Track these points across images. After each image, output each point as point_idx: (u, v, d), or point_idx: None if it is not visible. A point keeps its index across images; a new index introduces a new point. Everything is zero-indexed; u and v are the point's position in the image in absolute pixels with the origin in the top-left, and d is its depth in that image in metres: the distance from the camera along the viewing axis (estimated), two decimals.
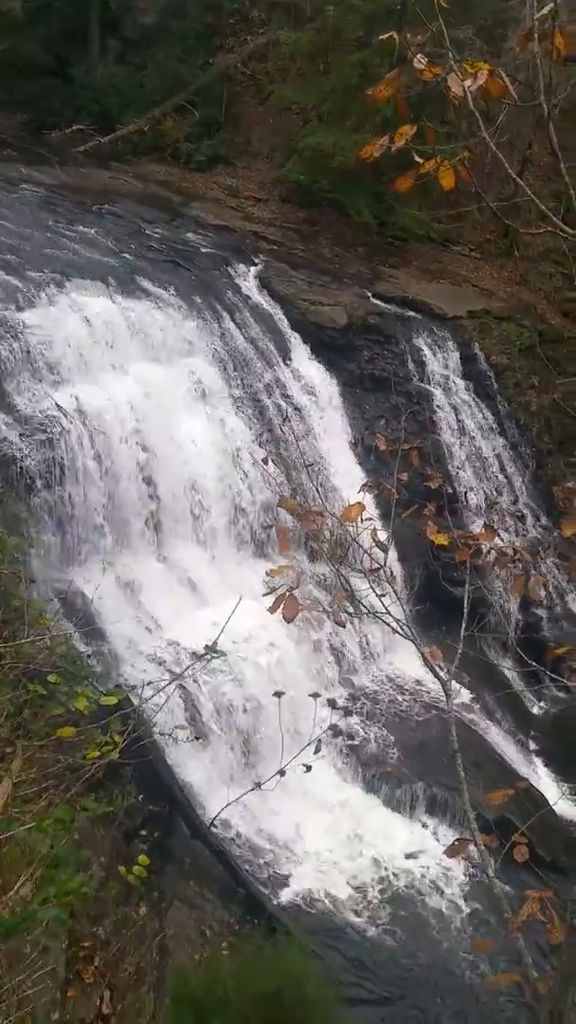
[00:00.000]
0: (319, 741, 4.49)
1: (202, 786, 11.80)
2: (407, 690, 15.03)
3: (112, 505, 13.03)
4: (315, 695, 4.91)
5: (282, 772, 4.55)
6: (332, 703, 5.08)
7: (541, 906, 4.84)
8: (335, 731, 4.75)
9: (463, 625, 6.00)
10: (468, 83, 4.46)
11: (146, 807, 10.42)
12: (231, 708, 12.36)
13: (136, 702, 4.37)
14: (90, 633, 11.68)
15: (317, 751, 4.43)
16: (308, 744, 4.37)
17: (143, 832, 10.48)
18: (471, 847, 5.40)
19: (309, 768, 4.65)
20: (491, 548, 6.42)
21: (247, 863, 11.50)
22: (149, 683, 4.40)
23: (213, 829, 11.43)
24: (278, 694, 5.01)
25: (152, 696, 4.12)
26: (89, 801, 3.90)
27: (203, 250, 18.20)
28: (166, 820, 10.91)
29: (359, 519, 5.85)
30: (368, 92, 4.92)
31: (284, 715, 4.50)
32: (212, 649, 3.99)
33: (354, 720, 14.02)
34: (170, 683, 4.08)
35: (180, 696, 11.68)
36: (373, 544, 6.14)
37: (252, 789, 5.15)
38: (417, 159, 4.65)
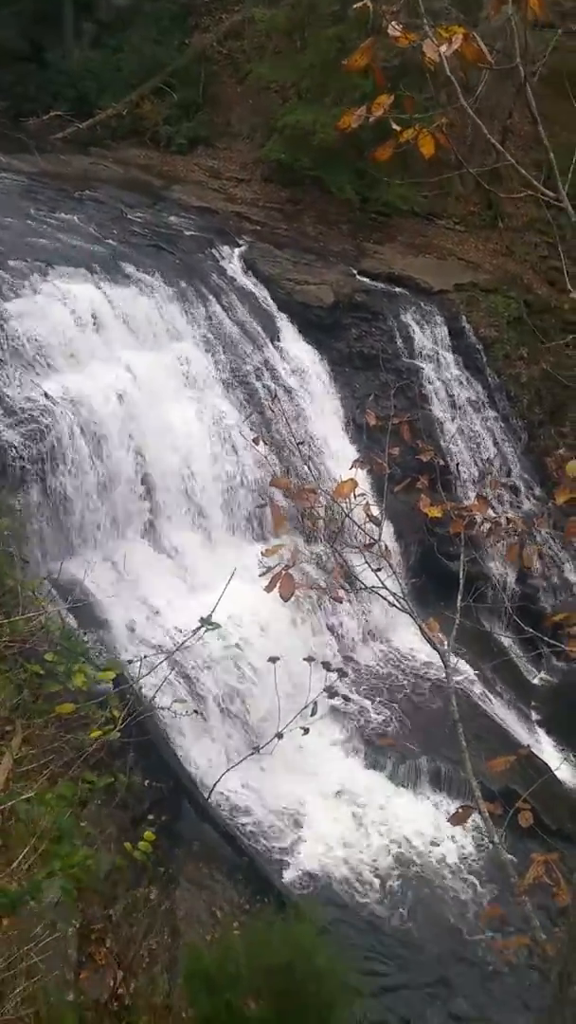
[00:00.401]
0: (315, 704, 4.51)
1: (207, 769, 11.86)
2: (408, 667, 15.11)
3: (105, 493, 13.01)
4: (309, 659, 4.92)
5: (280, 735, 4.59)
6: (327, 665, 5.09)
7: (547, 869, 4.89)
8: (331, 693, 4.76)
9: (459, 596, 6.02)
10: (443, 48, 4.41)
11: (152, 792, 10.46)
12: (233, 692, 12.41)
13: (133, 678, 4.38)
14: (90, 622, 11.69)
15: (314, 713, 4.47)
16: (305, 707, 4.40)
17: (150, 816, 10.52)
18: (475, 814, 5.45)
19: (306, 731, 4.68)
20: (484, 519, 6.44)
21: (255, 843, 11.58)
22: (144, 657, 4.40)
23: (220, 811, 11.51)
24: (272, 659, 5.02)
25: (150, 671, 4.14)
26: (91, 774, 3.92)
27: (186, 233, 18.08)
28: (173, 804, 10.96)
29: (352, 495, 5.85)
30: (343, 62, 4.88)
31: (285, 688, 4.52)
32: (207, 621, 4.00)
33: (356, 697, 14.11)
34: (167, 657, 4.10)
35: (180, 679, 11.73)
36: (367, 519, 6.14)
37: (251, 754, 5.18)
38: (396, 128, 4.61)
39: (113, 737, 4.02)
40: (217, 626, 4.08)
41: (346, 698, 5.31)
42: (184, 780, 11.02)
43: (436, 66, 4.54)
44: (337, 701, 4.76)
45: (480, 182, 17.69)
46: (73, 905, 3.70)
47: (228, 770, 5.37)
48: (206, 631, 4.05)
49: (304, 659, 4.84)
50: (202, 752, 11.80)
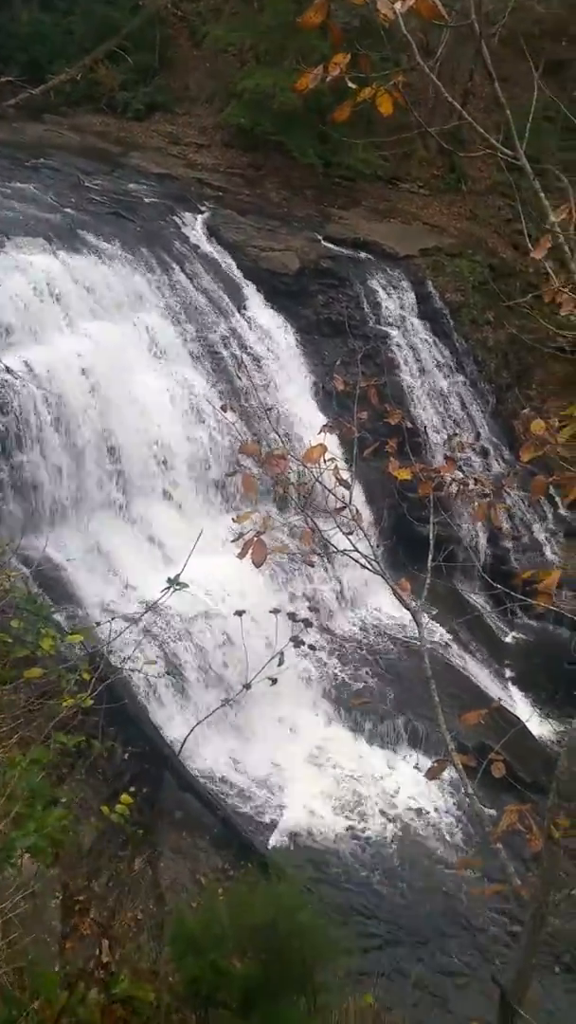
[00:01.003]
0: (281, 654, 4.56)
1: (189, 740, 11.92)
2: (384, 631, 15.26)
3: (74, 468, 12.90)
4: (275, 611, 4.95)
5: (248, 686, 4.65)
6: (291, 616, 5.13)
7: (520, 817, 5.00)
8: (297, 642, 4.81)
9: (429, 556, 6.07)
10: (398, 5, 4.38)
11: (132, 764, 10.50)
12: (209, 663, 12.46)
13: (103, 642, 4.39)
14: (63, 599, 11.66)
15: (281, 663, 4.51)
16: (272, 658, 4.44)
17: (131, 789, 10.62)
18: (452, 770, 5.54)
19: (274, 681, 4.73)
20: (453, 480, 6.48)
21: (237, 810, 11.71)
22: (113, 618, 4.41)
23: (201, 780, 11.61)
24: (239, 613, 5.05)
25: (119, 634, 4.15)
26: (62, 735, 3.94)
27: (147, 200, 17.78)
28: (154, 775, 11.02)
29: (322, 460, 5.86)
30: (298, 20, 4.81)
31: (260, 651, 4.56)
32: (175, 581, 4.02)
33: (334, 662, 14.24)
34: (138, 619, 4.11)
35: (158, 651, 11.76)
36: (337, 483, 6.16)
37: (220, 706, 5.24)
38: (352, 87, 4.57)
39: (86, 704, 4.04)
40: (185, 586, 4.09)
41: (312, 647, 5.35)
42: (164, 751, 11.09)
43: (393, 24, 4.50)
44: (304, 650, 4.80)
45: (442, 144, 17.61)
46: (46, 870, 3.72)
47: (199, 723, 5.42)
48: (174, 591, 4.05)
49: (270, 611, 4.87)
50: (181, 722, 11.85)
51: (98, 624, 4.40)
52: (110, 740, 10.60)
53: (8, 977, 3.79)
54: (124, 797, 4.53)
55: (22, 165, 17.89)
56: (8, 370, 12.36)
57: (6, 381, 12.24)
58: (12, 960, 4.31)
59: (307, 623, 4.87)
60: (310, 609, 6.73)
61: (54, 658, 4.52)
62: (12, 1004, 3.59)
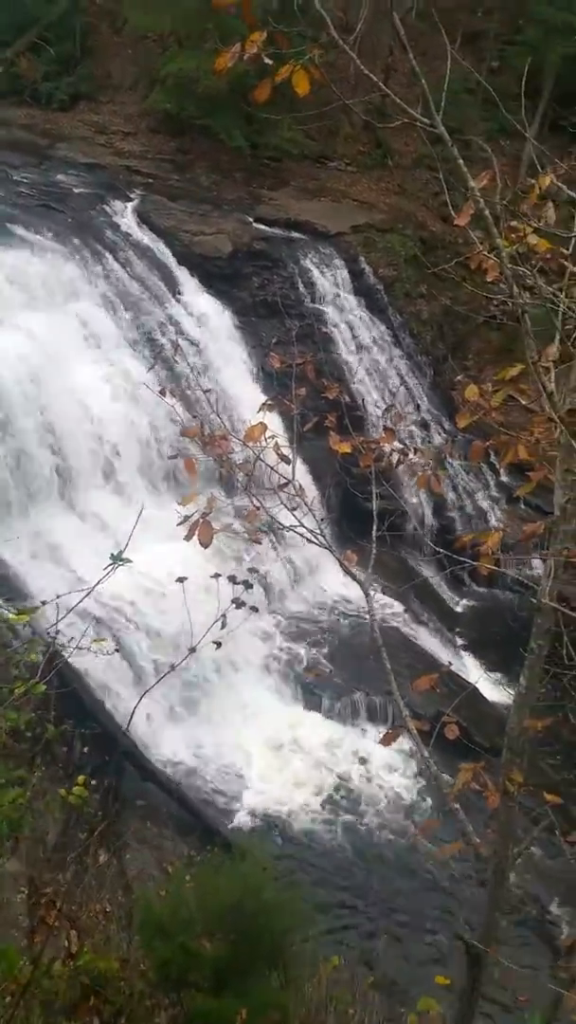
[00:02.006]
0: (224, 617, 4.59)
1: (145, 728, 11.92)
2: (335, 608, 15.37)
3: (15, 463, 12.75)
4: (216, 575, 4.98)
5: (192, 650, 4.67)
6: (232, 578, 5.16)
7: (475, 776, 5.11)
8: (239, 604, 4.85)
9: (374, 527, 6.12)
10: None
11: (92, 756, 10.45)
12: (162, 650, 12.42)
13: (50, 626, 4.37)
14: (13, 595, 11.51)
15: (224, 627, 4.55)
16: (215, 621, 4.46)
17: (93, 782, 10.57)
18: (405, 734, 5.63)
19: (219, 644, 4.77)
20: (392, 450, 6.54)
21: (200, 796, 11.74)
22: (59, 596, 4.38)
23: (163, 769, 11.60)
24: (180, 579, 5.06)
25: (67, 614, 4.13)
26: (12, 712, 3.92)
27: (76, 191, 17.61)
28: (114, 767, 10.98)
29: (263, 438, 5.87)
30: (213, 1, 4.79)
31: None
32: (118, 557, 4.01)
33: (289, 644, 14.31)
34: (84, 597, 4.09)
35: (113, 651, 11.68)
36: (279, 461, 6.17)
37: (167, 673, 5.25)
38: (269, 63, 4.56)
39: (38, 691, 4.02)
40: (128, 561, 4.08)
41: (254, 608, 5.36)
42: (123, 742, 11.04)
43: (309, 2, 4.51)
44: (247, 611, 4.81)
45: (366, 120, 17.64)
46: (4, 862, 3.70)
47: (145, 693, 5.42)
48: (118, 567, 4.05)
49: (212, 576, 4.89)
50: (141, 712, 11.81)
51: (44, 603, 4.36)
52: (71, 737, 10.58)
53: None
54: (80, 778, 4.53)
55: None
56: None
57: None
58: None
59: (247, 584, 4.88)
60: (249, 571, 6.72)
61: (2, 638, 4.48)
62: None
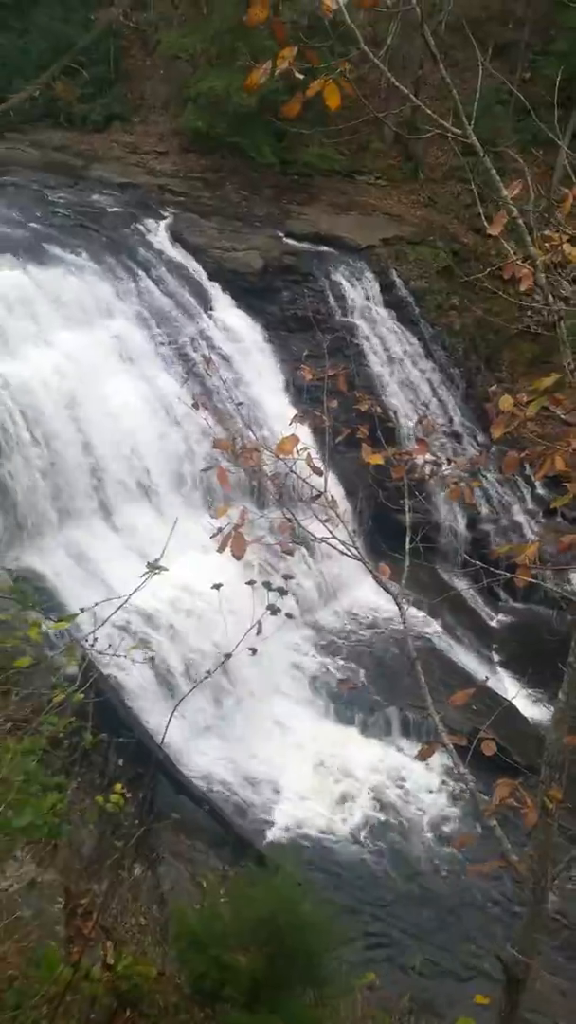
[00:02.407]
0: (260, 624, 4.58)
1: (180, 741, 11.93)
2: (369, 622, 15.31)
3: (54, 478, 12.91)
4: (251, 582, 4.97)
5: (228, 655, 4.66)
6: (267, 585, 5.15)
7: (512, 792, 5.04)
8: (273, 610, 4.83)
9: (407, 538, 6.10)
10: None
11: (126, 770, 10.48)
12: (198, 661, 12.45)
13: (87, 635, 4.40)
14: (49, 610, 11.60)
15: (259, 633, 4.54)
16: (251, 627, 4.46)
17: (128, 795, 10.59)
18: (444, 757, 5.57)
19: (254, 651, 4.75)
20: (425, 462, 6.51)
21: (233, 810, 11.70)
22: (96, 604, 4.41)
23: (197, 783, 11.59)
24: (216, 586, 5.06)
25: (104, 622, 4.15)
26: (52, 716, 3.95)
27: (110, 210, 17.89)
28: (149, 780, 11.00)
29: (295, 450, 5.87)
30: (243, 19, 4.84)
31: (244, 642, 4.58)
32: (154, 565, 4.03)
33: (323, 658, 14.27)
34: (118, 607, 4.10)
35: (148, 657, 11.73)
36: (311, 473, 6.18)
37: (203, 679, 5.23)
38: (300, 76, 4.59)
39: (77, 699, 4.05)
40: (164, 569, 4.10)
41: (288, 615, 5.34)
42: (159, 756, 11.06)
43: (338, 16, 4.54)
44: (281, 617, 4.80)
45: (397, 132, 17.67)
46: (39, 833, 3.70)
47: (180, 700, 5.40)
48: (154, 574, 4.06)
49: (246, 583, 4.89)
50: (173, 724, 11.82)
51: (82, 610, 4.39)
52: (107, 750, 10.60)
53: (16, 969, 3.81)
54: (117, 786, 4.54)
55: None
56: None
57: None
58: (21, 953, 4.32)
59: (282, 591, 4.87)
60: (284, 578, 6.74)
61: (41, 647, 4.52)
62: (18, 995, 3.61)
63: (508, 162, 12.02)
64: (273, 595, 4.68)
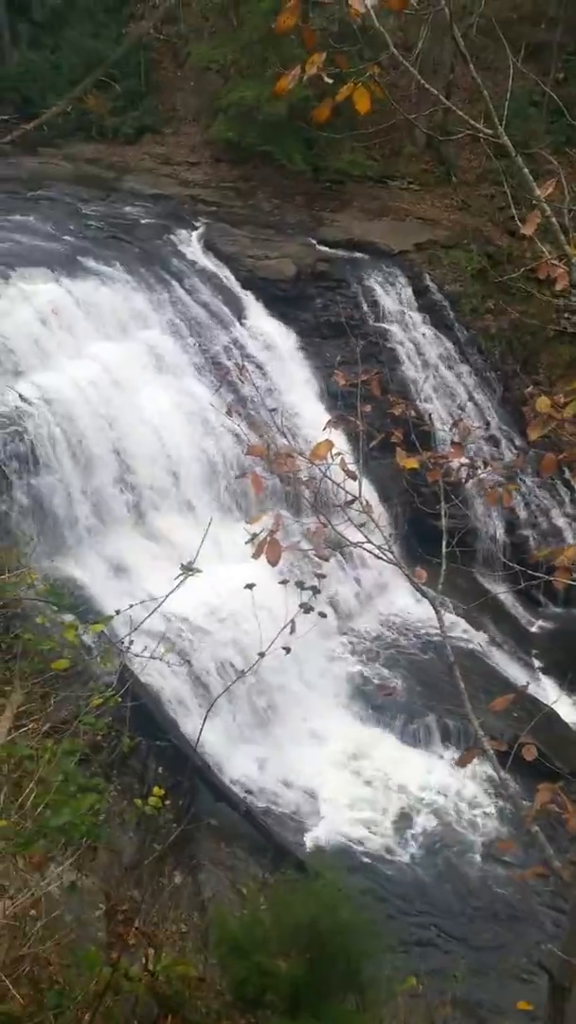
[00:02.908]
0: (293, 623, 4.58)
1: (218, 748, 11.94)
2: (407, 629, 15.22)
3: (90, 487, 13.03)
4: (283, 581, 4.98)
5: (262, 655, 4.68)
6: (299, 584, 5.15)
7: (553, 797, 4.97)
8: (307, 609, 4.84)
9: (443, 542, 6.05)
10: None
11: (166, 778, 10.52)
12: (233, 669, 12.46)
13: (122, 638, 4.44)
14: (89, 616, 11.71)
15: (292, 631, 4.56)
16: (284, 627, 4.46)
17: (167, 802, 10.63)
18: (483, 765, 5.52)
19: (288, 650, 4.76)
20: (461, 465, 6.47)
21: (273, 817, 11.69)
22: (131, 606, 4.45)
23: (236, 790, 11.59)
24: (249, 586, 5.07)
25: (139, 625, 4.19)
26: (90, 717, 3.98)
27: (143, 221, 18.07)
28: (188, 787, 11.03)
29: (328, 455, 5.87)
30: (273, 26, 4.87)
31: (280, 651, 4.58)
32: (188, 568, 4.06)
33: (361, 665, 14.22)
34: (153, 610, 4.14)
35: (184, 665, 11.78)
36: (345, 478, 6.16)
37: (237, 679, 5.25)
38: (329, 81, 4.60)
39: (114, 703, 4.09)
40: (197, 571, 4.13)
41: (322, 614, 5.33)
42: (198, 763, 11.09)
43: (367, 21, 4.55)
44: (315, 616, 4.80)
45: (429, 135, 17.63)
46: (76, 833, 3.73)
47: (216, 699, 5.44)
48: (189, 575, 4.09)
49: (279, 583, 4.90)
50: (211, 731, 11.87)
51: (118, 612, 4.43)
52: (145, 758, 10.63)
53: (57, 973, 3.84)
54: (156, 789, 4.58)
55: (22, 198, 18.30)
56: (22, 397, 12.54)
57: (20, 408, 12.40)
58: (61, 955, 4.35)
59: (315, 590, 4.87)
60: (316, 576, 6.76)
61: (78, 651, 4.57)
62: (59, 996, 3.65)
63: (542, 164, 11.93)
64: (306, 594, 4.69)
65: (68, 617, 4.66)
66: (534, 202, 4.90)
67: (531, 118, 20.19)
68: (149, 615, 4.14)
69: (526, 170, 4.84)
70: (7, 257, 14.50)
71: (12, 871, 3.88)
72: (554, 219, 4.73)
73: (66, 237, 16.29)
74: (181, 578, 4.04)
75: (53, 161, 21.93)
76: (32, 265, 14.36)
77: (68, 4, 26.03)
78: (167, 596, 4.14)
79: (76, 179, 20.59)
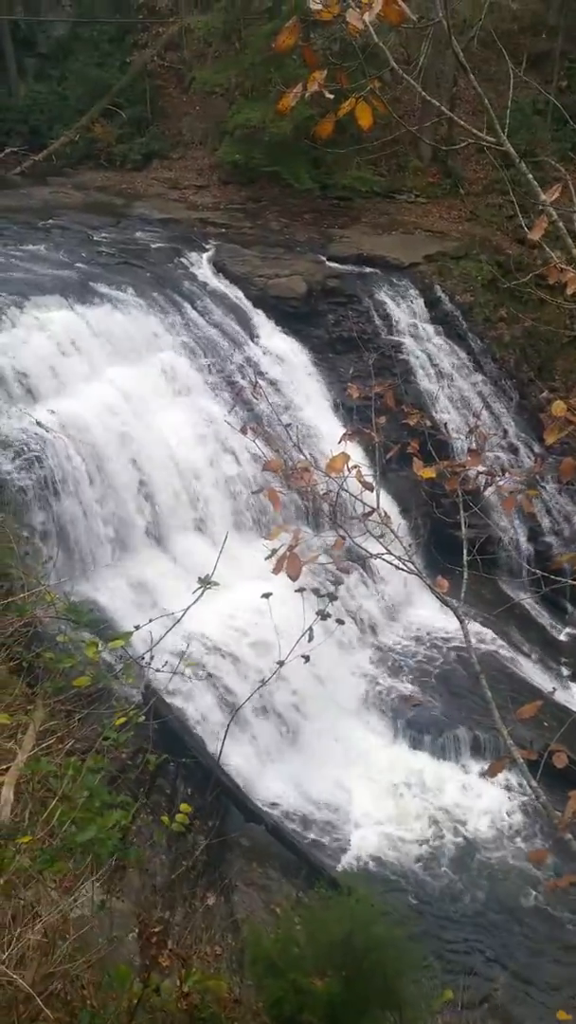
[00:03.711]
0: (311, 629, 4.59)
1: (247, 769, 11.90)
2: (432, 641, 15.13)
3: (109, 510, 13.10)
4: (300, 589, 4.98)
5: (281, 663, 4.67)
6: (316, 591, 5.15)
7: None
8: (323, 615, 4.84)
9: (464, 551, 6.02)
10: (366, 15, 4.46)
11: (195, 800, 10.50)
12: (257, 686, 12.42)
13: (143, 653, 4.45)
14: (109, 639, 11.73)
15: (311, 640, 4.56)
16: (302, 635, 4.46)
17: (196, 822, 10.58)
18: (512, 775, 5.46)
19: (307, 658, 4.76)
20: (479, 472, 6.44)
21: (305, 836, 11.62)
22: (151, 620, 4.45)
23: (266, 810, 11.53)
24: (266, 595, 5.07)
25: (159, 640, 4.20)
26: (112, 730, 3.98)
27: (153, 246, 18.23)
28: (218, 808, 11.00)
29: (345, 468, 5.87)
30: (273, 45, 4.93)
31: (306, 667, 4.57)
32: (206, 581, 4.07)
33: (388, 678, 14.15)
34: (174, 624, 4.16)
35: (205, 679, 11.79)
36: (363, 490, 6.16)
37: (259, 687, 5.26)
38: (329, 96, 4.63)
39: (138, 720, 4.09)
40: (216, 584, 4.14)
41: (339, 621, 5.34)
42: (227, 783, 11.05)
43: (367, 37, 4.58)
44: (332, 623, 4.81)
45: (434, 147, 17.70)
46: (105, 849, 3.73)
47: (238, 709, 5.44)
48: (207, 589, 4.11)
49: (295, 591, 4.90)
50: (238, 750, 11.84)
51: (137, 627, 4.45)
52: (174, 779, 10.61)
53: (90, 995, 3.83)
54: (183, 806, 4.57)
55: (33, 228, 18.53)
56: (39, 424, 12.64)
57: (39, 435, 12.51)
58: (92, 975, 4.34)
59: (332, 597, 4.87)
60: (332, 583, 6.72)
61: (98, 667, 4.59)
62: (91, 1016, 3.63)
63: (549, 172, 11.96)
64: (323, 601, 4.69)
65: (88, 636, 4.68)
66: (541, 208, 4.91)
67: (536, 127, 20.25)
68: (169, 629, 4.16)
69: (530, 175, 4.85)
70: (21, 286, 14.67)
71: (42, 893, 3.88)
72: (561, 224, 4.73)
73: (78, 264, 16.47)
74: (199, 591, 4.05)
75: (63, 190, 22.22)
76: (46, 293, 14.52)
77: (72, 35, 26.52)
78: (186, 610, 4.16)
79: (86, 207, 20.84)
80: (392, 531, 6.04)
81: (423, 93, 6.11)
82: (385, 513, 6.13)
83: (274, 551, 5.54)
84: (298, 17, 4.54)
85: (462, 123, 5.14)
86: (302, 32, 4.56)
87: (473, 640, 6.19)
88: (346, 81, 4.68)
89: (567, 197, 5.20)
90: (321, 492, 6.35)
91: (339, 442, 6.70)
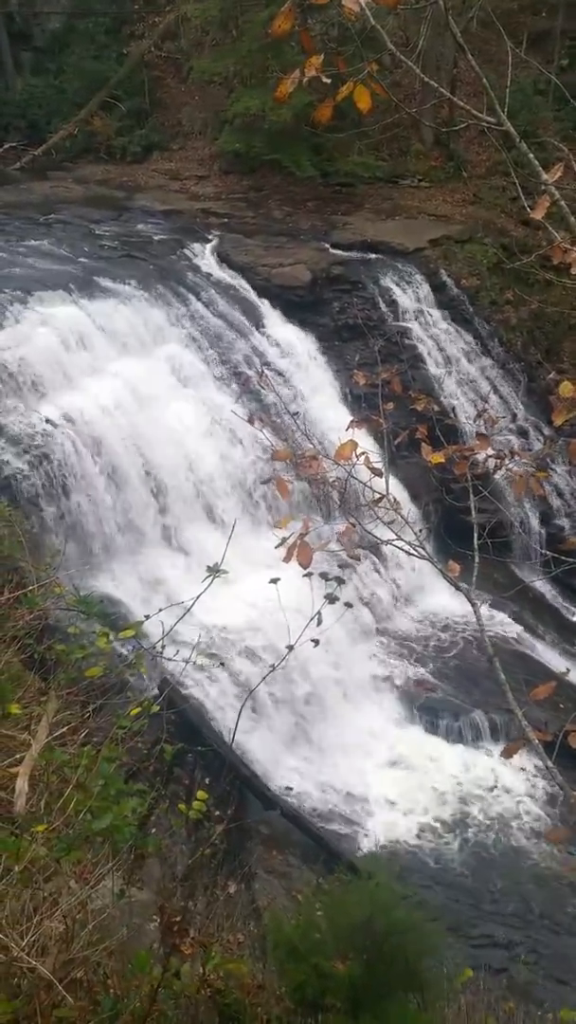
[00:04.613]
0: (319, 613, 4.60)
1: (264, 757, 11.95)
2: (446, 626, 15.13)
3: (120, 504, 13.14)
4: (308, 574, 4.98)
5: (290, 647, 4.70)
6: (324, 575, 5.17)
7: None
8: (332, 599, 4.86)
9: (475, 535, 6.02)
10: None
11: (213, 788, 10.53)
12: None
13: (155, 643, 4.47)
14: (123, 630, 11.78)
15: (319, 624, 4.58)
16: (312, 619, 4.48)
17: (216, 812, 10.64)
18: (528, 758, 5.47)
19: (316, 642, 4.78)
20: (488, 456, 6.43)
21: (322, 822, 11.66)
22: (161, 610, 4.47)
23: (285, 798, 11.58)
24: (274, 580, 5.08)
25: (170, 629, 4.22)
26: (125, 719, 4.01)
27: (156, 238, 18.20)
28: (236, 797, 11.04)
29: (353, 455, 5.87)
30: (269, 31, 4.91)
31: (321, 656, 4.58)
32: (215, 569, 4.09)
33: (402, 664, 14.16)
34: (185, 612, 4.18)
35: (220, 667, 11.82)
36: (372, 476, 6.15)
37: (269, 672, 5.27)
38: (326, 80, 4.61)
39: (154, 710, 4.12)
40: (225, 572, 4.16)
41: (348, 604, 5.36)
42: (245, 772, 11.10)
43: (363, 21, 4.55)
44: (341, 607, 4.83)
45: (436, 132, 17.59)
46: (121, 836, 3.75)
47: (249, 695, 5.47)
48: (216, 577, 4.13)
49: (303, 575, 4.91)
50: (255, 738, 11.89)
51: (147, 617, 4.47)
52: (192, 768, 10.67)
53: (112, 982, 3.87)
54: (200, 793, 4.60)
55: (35, 223, 18.52)
56: (47, 420, 12.67)
57: (47, 431, 12.54)
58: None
59: (340, 580, 4.88)
60: (341, 567, 6.75)
61: (111, 658, 4.62)
62: (114, 1002, 3.67)
63: (551, 152, 11.89)
64: (331, 585, 4.70)
65: (98, 627, 4.72)
66: (543, 187, 4.88)
67: (537, 107, 20.09)
68: (180, 618, 4.18)
69: (531, 155, 4.82)
70: (24, 282, 14.67)
71: (61, 882, 3.91)
72: (563, 203, 4.70)
73: (81, 259, 16.45)
74: (208, 579, 4.07)
75: (63, 184, 22.18)
76: (49, 288, 14.51)
77: (68, 28, 26.39)
78: (196, 598, 4.18)
79: (87, 201, 20.81)
80: (403, 517, 6.04)
81: (423, 76, 6.08)
82: (395, 499, 6.13)
83: (284, 540, 5.56)
84: (293, 1, 4.52)
85: (463, 105, 5.10)
86: (299, 17, 4.53)
87: (486, 624, 6.19)
88: (344, 66, 4.65)
89: (569, 176, 5.17)
90: (330, 480, 6.36)
91: (347, 430, 6.70)
